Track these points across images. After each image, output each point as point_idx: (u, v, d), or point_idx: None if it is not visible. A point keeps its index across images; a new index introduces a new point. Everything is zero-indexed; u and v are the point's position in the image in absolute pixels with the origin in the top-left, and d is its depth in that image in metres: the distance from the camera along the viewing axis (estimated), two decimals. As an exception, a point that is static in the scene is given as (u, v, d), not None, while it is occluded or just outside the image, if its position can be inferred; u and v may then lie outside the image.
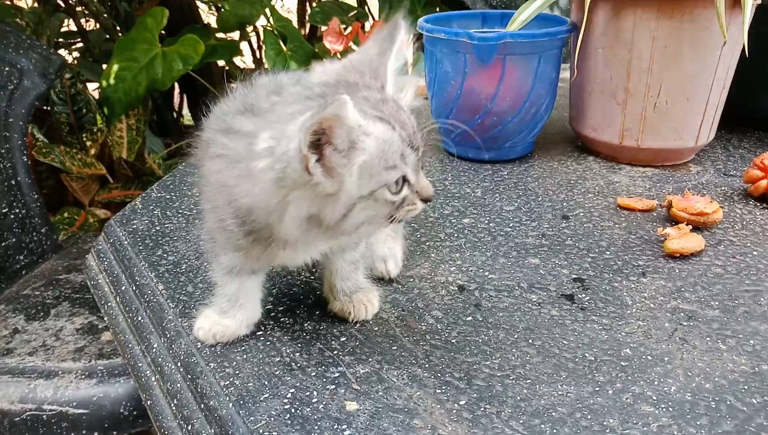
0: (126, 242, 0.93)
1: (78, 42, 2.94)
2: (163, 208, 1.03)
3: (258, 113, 0.59)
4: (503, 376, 0.64)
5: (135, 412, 1.15)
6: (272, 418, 0.58)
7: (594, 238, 0.91)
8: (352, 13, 2.53)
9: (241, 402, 0.61)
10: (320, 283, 0.78)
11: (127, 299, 0.83)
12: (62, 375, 1.16)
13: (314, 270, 0.83)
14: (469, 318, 0.73)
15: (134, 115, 2.24)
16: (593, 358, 0.66)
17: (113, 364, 1.19)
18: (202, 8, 3.14)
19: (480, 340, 0.69)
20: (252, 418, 0.58)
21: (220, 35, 2.57)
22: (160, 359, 0.72)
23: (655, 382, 0.63)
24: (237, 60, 2.85)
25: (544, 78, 1.12)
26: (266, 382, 0.63)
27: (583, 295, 0.77)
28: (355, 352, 0.67)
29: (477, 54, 1.07)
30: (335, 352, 0.68)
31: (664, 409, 0.59)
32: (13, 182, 1.53)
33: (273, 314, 0.74)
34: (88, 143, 2.16)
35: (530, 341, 0.69)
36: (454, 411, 0.59)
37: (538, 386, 0.62)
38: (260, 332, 0.71)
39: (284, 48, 2.24)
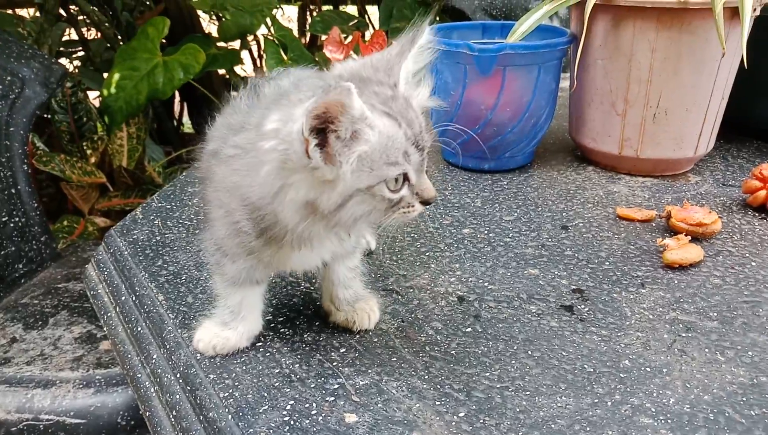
0: (126, 252, 0.93)
1: (79, 51, 2.95)
2: (163, 218, 1.04)
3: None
4: (502, 388, 0.64)
5: (132, 422, 1.14)
6: (271, 431, 0.58)
7: (593, 249, 0.91)
8: (352, 23, 2.54)
9: (240, 414, 0.60)
10: (320, 293, 0.78)
11: (127, 310, 0.83)
12: (60, 384, 1.16)
13: (314, 280, 0.83)
14: (469, 329, 0.73)
15: (135, 124, 2.25)
16: (592, 370, 0.66)
17: (111, 373, 1.18)
18: (203, 17, 3.15)
19: (479, 352, 0.69)
20: (251, 430, 0.58)
21: (220, 44, 2.58)
22: (159, 370, 0.72)
23: (654, 394, 0.63)
24: (237, 69, 2.86)
25: (543, 89, 1.13)
26: (265, 394, 0.63)
27: (583, 306, 0.77)
28: (354, 364, 0.67)
29: (477, 65, 1.08)
30: (335, 363, 0.68)
31: (663, 421, 0.59)
32: (13, 191, 1.53)
33: (273, 325, 0.74)
34: (89, 152, 2.16)
35: (529, 352, 0.69)
36: (454, 423, 0.59)
37: (537, 398, 0.62)
38: (260, 343, 0.71)
39: (285, 57, 2.25)
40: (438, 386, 0.64)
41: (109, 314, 0.88)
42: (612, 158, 1.17)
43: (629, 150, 1.14)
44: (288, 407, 0.61)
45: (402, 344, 0.71)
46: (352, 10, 3.14)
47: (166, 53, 2.18)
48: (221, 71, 2.88)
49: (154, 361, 0.73)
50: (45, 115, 2.20)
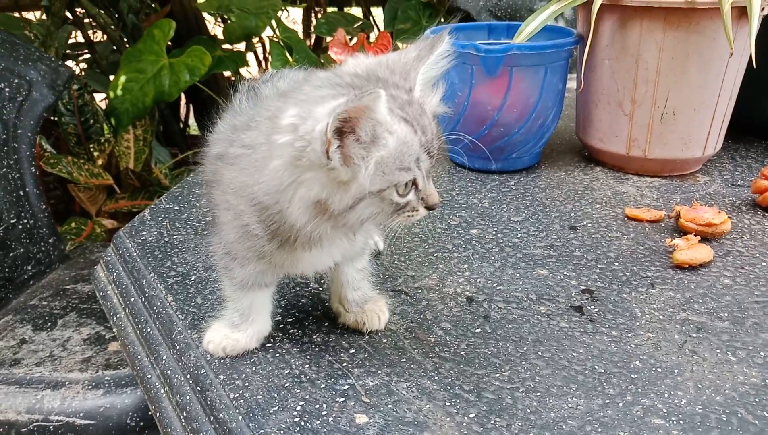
0: (135, 254, 0.93)
1: (86, 53, 2.97)
2: (171, 219, 1.04)
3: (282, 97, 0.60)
4: (513, 389, 0.63)
5: (141, 423, 1.15)
6: (282, 431, 0.58)
7: (602, 249, 0.91)
8: (357, 24, 2.55)
9: (251, 415, 0.60)
10: (328, 294, 0.78)
11: (137, 311, 0.84)
12: (69, 385, 1.16)
13: (322, 280, 0.83)
14: (478, 330, 0.73)
15: (141, 126, 2.26)
16: (603, 370, 0.66)
17: (120, 374, 1.19)
18: (209, 20, 3.16)
19: (489, 352, 0.69)
20: (261, 431, 0.58)
21: (226, 46, 2.59)
22: (169, 371, 0.72)
23: (666, 395, 0.62)
24: (243, 70, 2.87)
25: (550, 89, 1.13)
26: (276, 395, 0.63)
27: (592, 307, 0.77)
28: (364, 365, 0.67)
29: (484, 66, 1.08)
30: (344, 364, 0.68)
31: (675, 422, 0.59)
32: (21, 193, 1.53)
33: (282, 326, 0.75)
34: (96, 154, 2.17)
35: (539, 353, 0.69)
36: (464, 424, 0.59)
37: (548, 399, 0.62)
38: (269, 344, 0.71)
39: (290, 59, 2.26)
40: (448, 387, 0.64)
41: (118, 315, 0.88)
42: (619, 158, 1.17)
43: (637, 150, 1.13)
44: (298, 408, 0.61)
45: (411, 345, 0.71)
46: (356, 11, 3.15)
47: (172, 55, 2.19)
48: (227, 73, 2.89)
49: (164, 361, 0.74)
50: (52, 118, 2.21)
